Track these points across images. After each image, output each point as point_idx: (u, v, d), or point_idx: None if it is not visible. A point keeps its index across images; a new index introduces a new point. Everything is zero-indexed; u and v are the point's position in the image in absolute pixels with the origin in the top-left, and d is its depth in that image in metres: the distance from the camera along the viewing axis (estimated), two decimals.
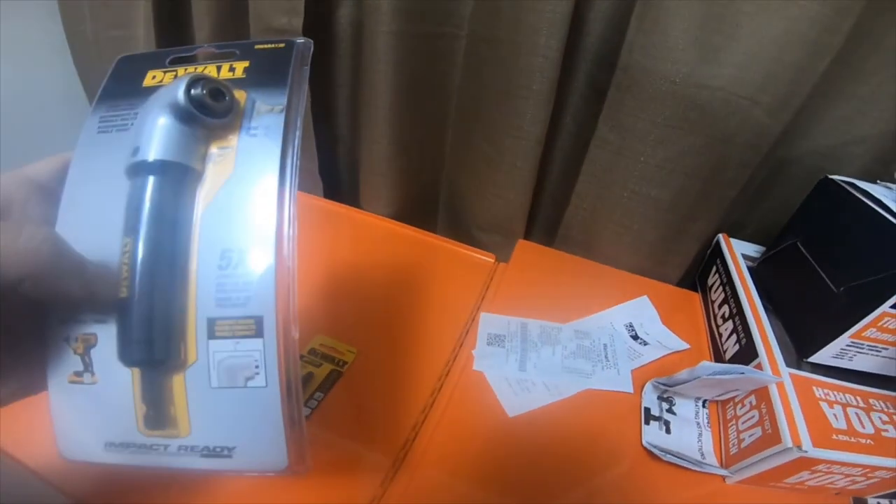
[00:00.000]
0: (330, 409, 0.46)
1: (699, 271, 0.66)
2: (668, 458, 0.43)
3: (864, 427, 0.40)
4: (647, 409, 0.48)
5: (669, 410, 0.48)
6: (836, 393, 0.43)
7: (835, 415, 0.41)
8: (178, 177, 0.24)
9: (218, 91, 0.25)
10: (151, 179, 0.24)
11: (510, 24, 0.55)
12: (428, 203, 0.78)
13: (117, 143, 0.25)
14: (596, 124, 0.58)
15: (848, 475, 0.39)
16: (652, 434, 0.46)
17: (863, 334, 0.42)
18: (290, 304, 0.24)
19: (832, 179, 0.51)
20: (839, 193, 0.49)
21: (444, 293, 0.60)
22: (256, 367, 0.23)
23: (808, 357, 0.46)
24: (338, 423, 0.45)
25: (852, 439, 0.39)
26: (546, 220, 0.73)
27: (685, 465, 0.43)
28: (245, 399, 0.23)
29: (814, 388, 0.43)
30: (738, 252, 0.59)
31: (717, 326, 0.56)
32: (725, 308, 0.55)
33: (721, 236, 0.63)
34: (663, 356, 0.54)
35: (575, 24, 0.54)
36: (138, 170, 0.24)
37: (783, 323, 0.50)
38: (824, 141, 0.56)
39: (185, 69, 0.27)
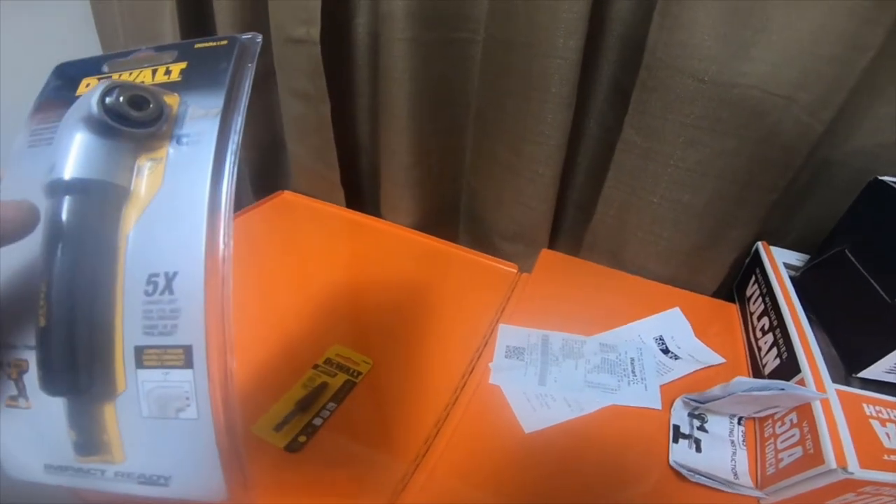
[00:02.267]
0: (342, 420, 0.44)
1: (737, 281, 0.62)
2: (697, 478, 0.39)
3: None
4: (677, 427, 0.44)
5: (701, 428, 0.44)
6: (889, 410, 0.38)
7: (887, 433, 0.36)
8: (100, 195, 0.23)
9: (140, 98, 0.23)
10: (68, 199, 0.22)
11: (526, 27, 0.54)
12: (448, 212, 0.77)
13: (44, 157, 0.23)
14: (621, 127, 0.56)
15: None
16: (680, 453, 0.42)
17: None
18: (224, 331, 0.22)
19: (883, 181, 0.47)
20: (891, 196, 0.45)
21: (464, 304, 0.58)
22: (187, 398, 0.22)
23: (857, 372, 0.41)
24: (349, 434, 0.44)
25: None
26: (571, 229, 0.70)
27: (715, 486, 0.39)
28: (177, 430, 0.22)
29: (864, 405, 0.39)
30: (780, 261, 0.55)
31: (756, 340, 0.52)
32: (765, 320, 0.51)
33: (760, 244, 0.59)
34: (696, 371, 0.50)
35: (594, 24, 0.52)
36: (54, 190, 0.22)
37: (829, 336, 0.46)
38: (871, 140, 0.52)
39: (118, 75, 0.26)
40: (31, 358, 0.23)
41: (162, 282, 0.22)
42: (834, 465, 0.34)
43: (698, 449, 0.43)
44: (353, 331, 0.53)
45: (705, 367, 0.50)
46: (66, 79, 0.27)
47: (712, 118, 0.51)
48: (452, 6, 0.58)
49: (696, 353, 0.52)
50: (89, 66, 0.27)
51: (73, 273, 0.22)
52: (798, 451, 0.38)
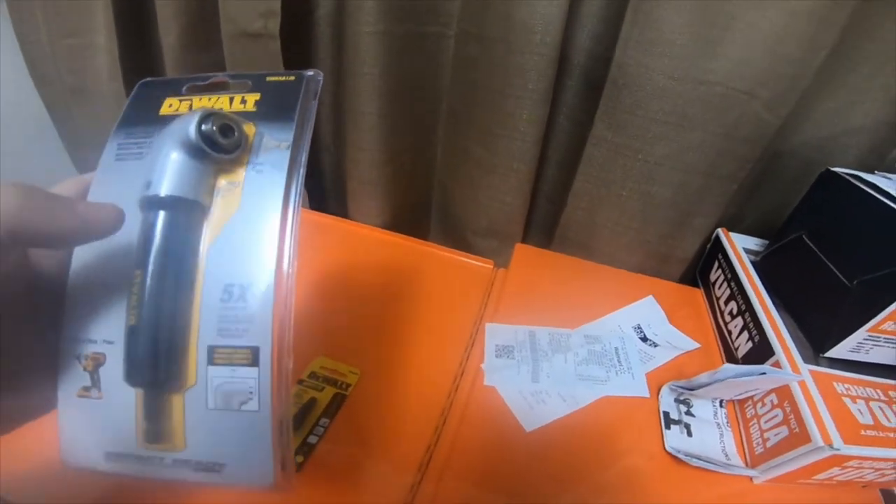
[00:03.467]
0: (338, 435, 0.43)
1: (700, 266, 0.66)
2: (695, 462, 0.42)
3: (889, 420, 0.40)
4: (667, 413, 0.47)
5: (688, 413, 0.47)
6: (857, 387, 0.42)
7: (859, 410, 0.40)
8: (187, 212, 0.25)
9: (228, 127, 0.26)
10: (162, 215, 0.25)
11: (502, 22, 0.53)
12: (419, 210, 0.76)
13: (133, 171, 0.26)
14: (592, 122, 0.57)
15: (878, 469, 0.39)
16: (674, 438, 0.45)
17: (880, 327, 0.42)
18: (285, 337, 0.25)
19: (834, 171, 0.51)
20: (843, 185, 0.49)
21: (445, 304, 0.58)
22: (251, 392, 0.25)
23: (824, 352, 0.45)
24: (347, 448, 0.43)
25: (881, 434, 0.39)
26: (542, 222, 0.71)
27: (712, 468, 0.42)
28: (238, 421, 0.25)
29: (834, 383, 0.42)
30: (740, 246, 0.59)
31: (726, 324, 0.55)
32: (733, 304, 0.54)
33: (721, 231, 0.62)
34: (674, 357, 0.53)
35: (568, 20, 0.52)
36: (150, 204, 0.25)
37: (794, 317, 0.50)
38: (817, 133, 0.56)
39: (199, 99, 0.28)
40: (109, 352, 0.25)
41: (237, 291, 0.25)
42: (821, 442, 0.37)
43: (689, 433, 0.45)
44: (335, 341, 0.51)
45: (683, 353, 0.53)
46: (149, 97, 0.29)
47: (679, 114, 0.53)
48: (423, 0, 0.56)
49: (672, 340, 0.55)
50: (171, 87, 0.29)
51: (163, 280, 0.25)
52: (784, 431, 0.41)
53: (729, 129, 0.52)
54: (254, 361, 0.25)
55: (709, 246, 0.64)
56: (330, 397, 0.46)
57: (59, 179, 0.26)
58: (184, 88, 0.29)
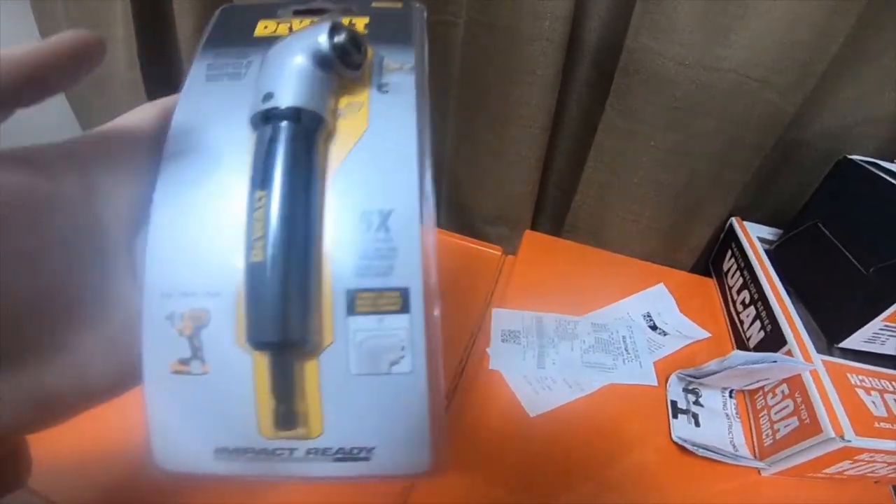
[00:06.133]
0: None
1: (712, 256, 0.65)
2: (702, 452, 0.41)
3: None
4: (674, 403, 0.46)
5: (696, 402, 0.46)
6: (871, 379, 0.41)
7: (873, 402, 0.39)
8: (312, 128, 0.21)
9: (357, 41, 0.22)
10: (286, 127, 0.20)
11: (510, 9, 0.52)
12: None
13: (230, 91, 0.22)
14: (603, 109, 0.56)
15: (891, 463, 0.38)
16: (681, 428, 0.44)
17: None
18: (432, 276, 0.20)
19: (852, 159, 0.50)
20: (861, 173, 0.48)
21: (453, 289, 0.57)
22: (402, 348, 0.19)
23: (838, 342, 0.44)
24: None
25: (895, 426, 0.37)
26: (552, 210, 0.71)
27: (719, 459, 0.41)
28: (387, 388, 0.19)
29: (848, 374, 0.41)
30: (754, 235, 0.58)
31: (738, 313, 0.54)
32: (745, 293, 0.53)
33: (734, 220, 0.61)
34: (684, 346, 0.52)
35: (578, 6, 0.52)
36: (271, 117, 0.21)
37: (808, 307, 0.49)
38: (835, 122, 0.55)
39: (300, 21, 0.25)
40: (214, 308, 0.19)
41: (376, 219, 0.20)
42: (832, 433, 0.36)
43: (697, 423, 0.45)
44: None
45: (692, 342, 0.52)
46: (235, 23, 0.25)
47: (691, 101, 0.52)
48: None
49: (682, 329, 0.54)
50: (260, 11, 0.25)
51: (293, 203, 0.19)
52: (794, 422, 0.40)
53: (742, 116, 0.51)
54: (403, 307, 0.19)
55: (722, 235, 0.63)
56: None
57: None
58: (278, 12, 0.26)
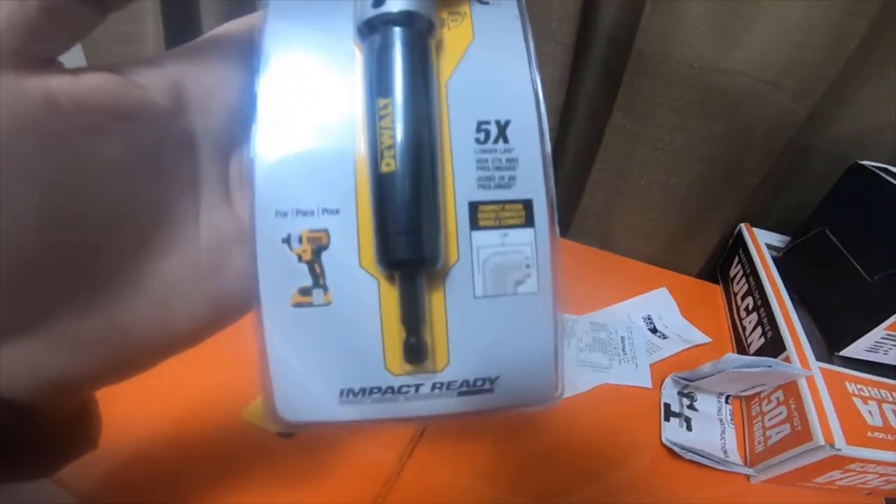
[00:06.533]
0: None
1: (720, 262, 0.64)
2: (690, 456, 0.41)
3: None
4: (667, 405, 0.46)
5: (690, 406, 0.46)
6: (870, 388, 0.40)
7: (869, 411, 0.38)
8: (426, 32, 0.19)
9: None
10: (401, 32, 0.19)
11: None
12: None
13: (323, 5, 0.20)
14: (611, 111, 0.56)
15: (882, 474, 0.37)
16: (672, 431, 0.43)
17: None
18: (552, 188, 0.19)
19: (863, 165, 0.48)
20: (871, 179, 0.47)
21: None
22: (528, 265, 0.18)
23: (839, 350, 0.43)
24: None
25: (889, 437, 0.36)
26: (560, 211, 0.69)
27: (708, 464, 0.41)
28: (513, 310, 0.18)
29: (846, 382, 0.40)
30: (762, 242, 0.57)
31: (741, 319, 0.53)
32: (749, 300, 0.53)
33: (743, 226, 0.60)
34: (683, 350, 0.51)
35: (587, 6, 0.52)
36: (382, 23, 0.19)
37: (811, 314, 0.48)
38: (851, 127, 0.54)
39: None
40: (333, 227, 0.18)
41: (494, 130, 0.19)
42: (822, 441, 0.35)
43: (689, 427, 0.44)
44: None
45: (692, 347, 0.52)
46: None
47: (700, 103, 0.52)
48: None
49: (682, 333, 0.53)
50: None
51: (417, 109, 0.18)
52: (786, 429, 0.39)
53: (752, 119, 0.51)
54: (528, 221, 0.19)
55: (730, 241, 0.62)
56: None
57: None
58: None
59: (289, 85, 0.19)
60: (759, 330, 0.49)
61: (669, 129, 0.54)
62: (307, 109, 0.19)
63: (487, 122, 0.19)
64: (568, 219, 0.68)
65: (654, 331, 0.54)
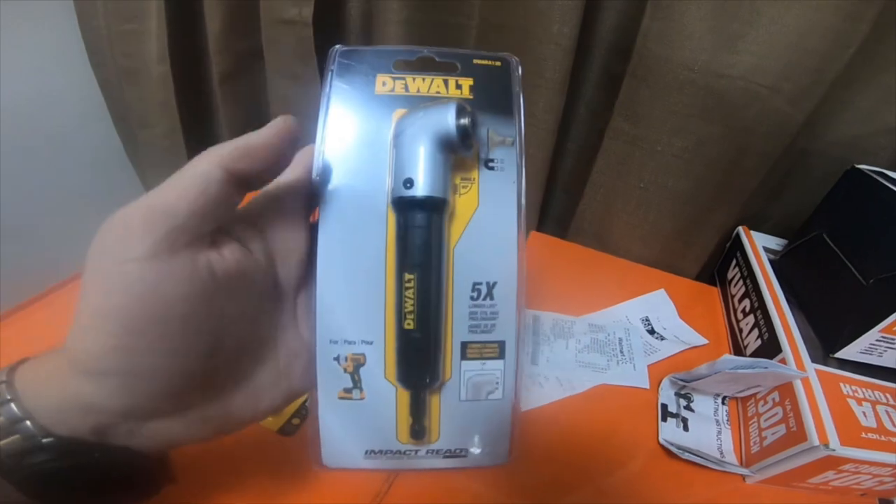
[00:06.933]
0: None
1: (718, 265, 0.64)
2: (687, 456, 0.41)
3: (895, 425, 0.38)
4: (665, 406, 0.46)
5: (687, 407, 0.46)
6: (864, 390, 0.41)
7: (864, 412, 0.39)
8: (442, 212, 0.25)
9: (475, 123, 0.25)
10: (424, 217, 0.25)
11: (522, 12, 0.54)
12: None
13: (366, 153, 0.26)
14: (610, 113, 0.57)
15: (876, 475, 0.37)
16: (669, 431, 0.44)
17: (894, 329, 0.40)
18: (521, 329, 0.27)
19: (860, 169, 0.49)
20: (868, 183, 0.47)
21: None
22: (497, 382, 0.26)
23: (834, 352, 0.44)
24: None
25: (882, 438, 0.37)
26: (558, 212, 0.71)
27: (704, 464, 0.41)
28: (483, 409, 0.27)
29: (841, 384, 0.41)
30: (760, 245, 0.57)
31: (738, 321, 0.54)
32: (746, 302, 0.53)
33: (741, 229, 0.61)
34: (681, 351, 0.52)
35: (588, 10, 0.52)
36: (410, 205, 0.25)
37: (808, 317, 0.48)
38: (849, 132, 0.54)
39: (413, 79, 0.27)
40: (368, 352, 0.25)
41: (485, 289, 0.26)
42: (816, 441, 0.36)
43: (685, 428, 0.44)
44: None
45: (689, 348, 0.52)
46: (355, 70, 0.27)
47: (699, 106, 0.52)
48: None
49: (680, 334, 0.54)
50: (376, 60, 0.27)
51: (434, 284, 0.25)
52: (781, 429, 0.39)
53: (750, 123, 0.51)
54: (500, 354, 0.26)
55: (728, 244, 0.62)
56: None
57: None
58: (392, 64, 0.27)
59: (337, 240, 0.25)
60: (755, 332, 0.49)
61: (668, 132, 0.55)
62: (351, 261, 0.25)
63: (480, 283, 0.26)
64: (567, 221, 0.68)
65: (651, 332, 0.54)
